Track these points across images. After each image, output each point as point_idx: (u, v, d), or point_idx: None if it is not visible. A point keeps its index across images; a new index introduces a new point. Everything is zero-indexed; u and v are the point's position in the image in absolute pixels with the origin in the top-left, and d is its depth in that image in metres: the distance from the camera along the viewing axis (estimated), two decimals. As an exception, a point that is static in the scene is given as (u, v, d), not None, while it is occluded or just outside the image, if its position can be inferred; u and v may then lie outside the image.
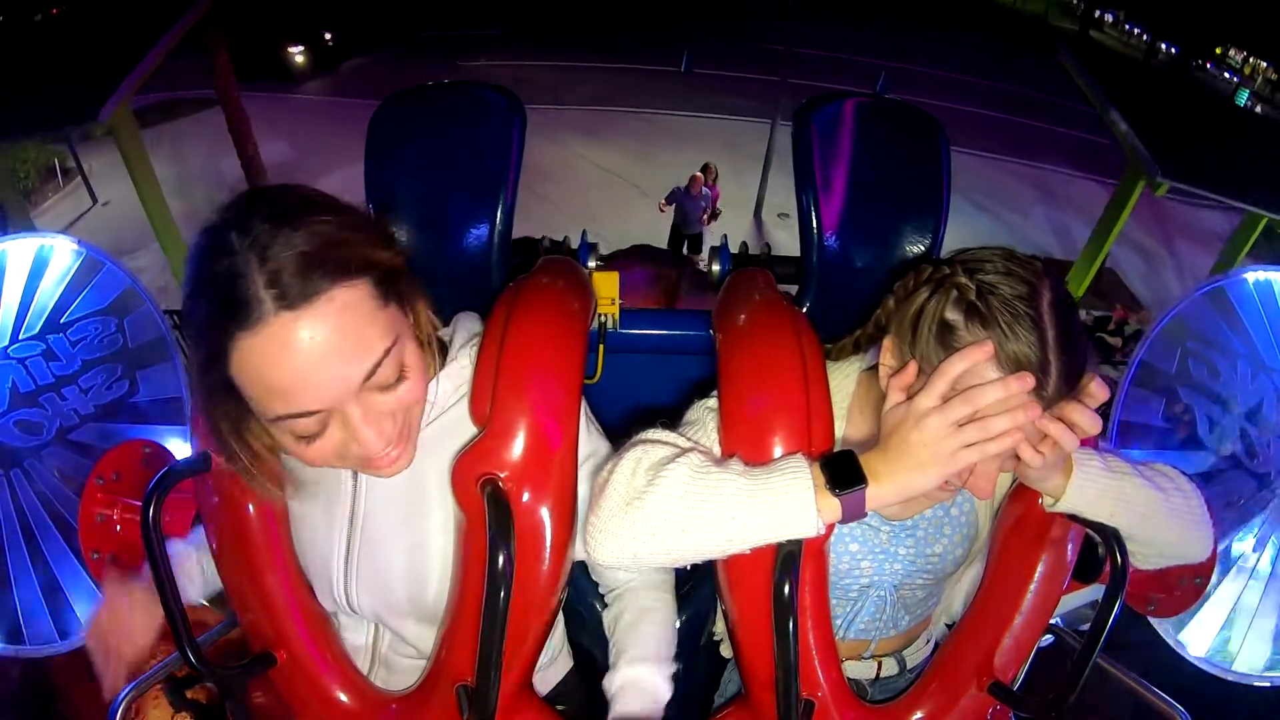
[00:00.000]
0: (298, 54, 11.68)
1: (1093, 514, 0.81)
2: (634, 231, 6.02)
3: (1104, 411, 0.76)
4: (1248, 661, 1.36)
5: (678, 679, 1.12)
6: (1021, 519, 0.90)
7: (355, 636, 0.92)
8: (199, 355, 0.65)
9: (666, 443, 0.79)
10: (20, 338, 1.37)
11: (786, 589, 0.74)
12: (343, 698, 0.88)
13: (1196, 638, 1.35)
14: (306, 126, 9.89)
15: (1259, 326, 1.40)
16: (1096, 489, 0.79)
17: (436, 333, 0.82)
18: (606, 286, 1.18)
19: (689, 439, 0.83)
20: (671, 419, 0.89)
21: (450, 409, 0.82)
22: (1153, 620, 1.29)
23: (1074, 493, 0.79)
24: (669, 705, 0.88)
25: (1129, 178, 6.05)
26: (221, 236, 0.61)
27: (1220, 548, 1.20)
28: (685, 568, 0.77)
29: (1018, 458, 0.73)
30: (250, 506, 0.82)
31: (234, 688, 0.86)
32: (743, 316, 0.91)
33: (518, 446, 0.76)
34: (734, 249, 1.34)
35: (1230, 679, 1.37)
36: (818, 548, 0.81)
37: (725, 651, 1.13)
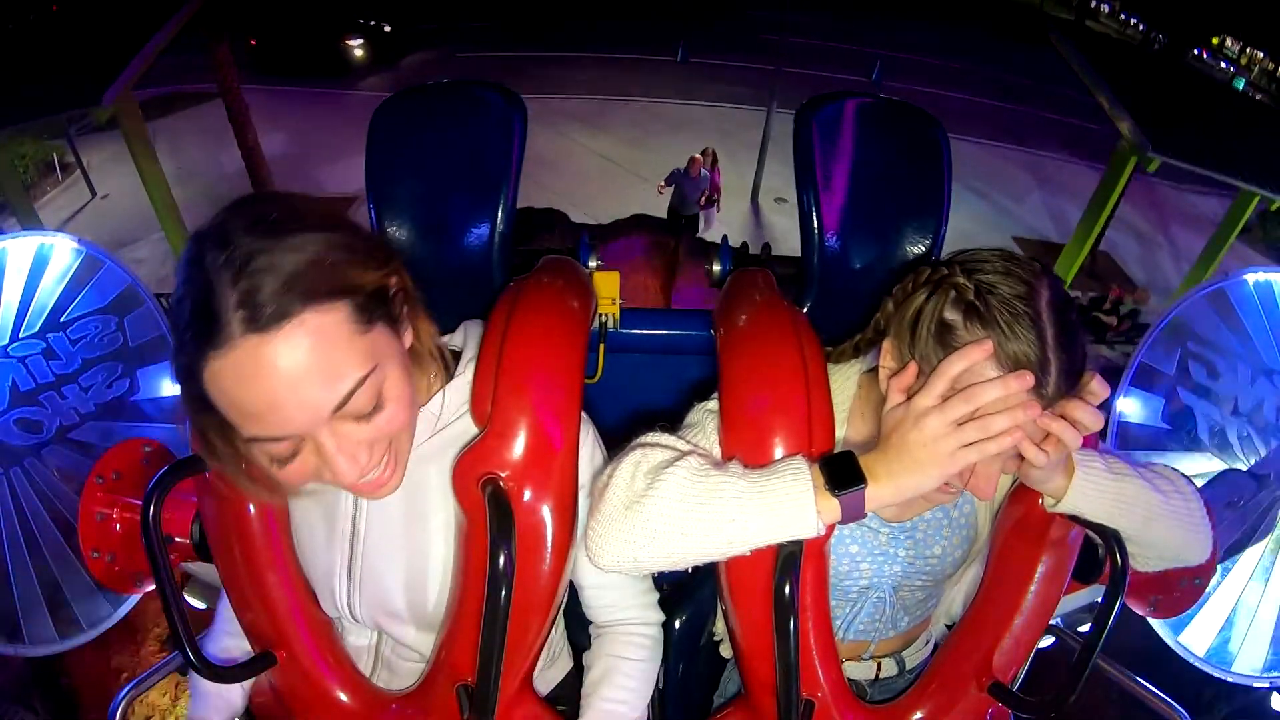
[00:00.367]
0: (357, 47, 11.42)
1: (1094, 515, 0.81)
2: (632, 216, 6.04)
3: (1103, 410, 0.76)
4: (1248, 662, 1.36)
5: (675, 681, 1.12)
6: (1022, 520, 0.90)
7: (357, 639, 0.92)
8: (178, 368, 0.63)
9: (666, 446, 0.79)
10: (20, 336, 1.37)
11: (787, 589, 0.74)
12: (343, 697, 0.87)
13: (1197, 638, 1.35)
14: (310, 120, 9.90)
15: (1259, 328, 1.40)
16: (1098, 490, 0.79)
17: (439, 343, 0.80)
18: (607, 286, 1.18)
19: (689, 442, 0.83)
20: (672, 419, 0.89)
21: (455, 422, 0.80)
22: (1152, 621, 1.29)
23: (1075, 494, 0.79)
24: (670, 705, 0.88)
25: (1120, 154, 6.07)
26: (202, 248, 0.60)
27: (1220, 549, 1.20)
28: (685, 570, 0.77)
29: (1020, 458, 0.73)
30: (250, 506, 0.82)
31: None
32: (743, 317, 0.91)
33: (518, 446, 0.75)
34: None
35: (1230, 680, 1.37)
36: (818, 549, 0.81)
37: (725, 651, 1.13)
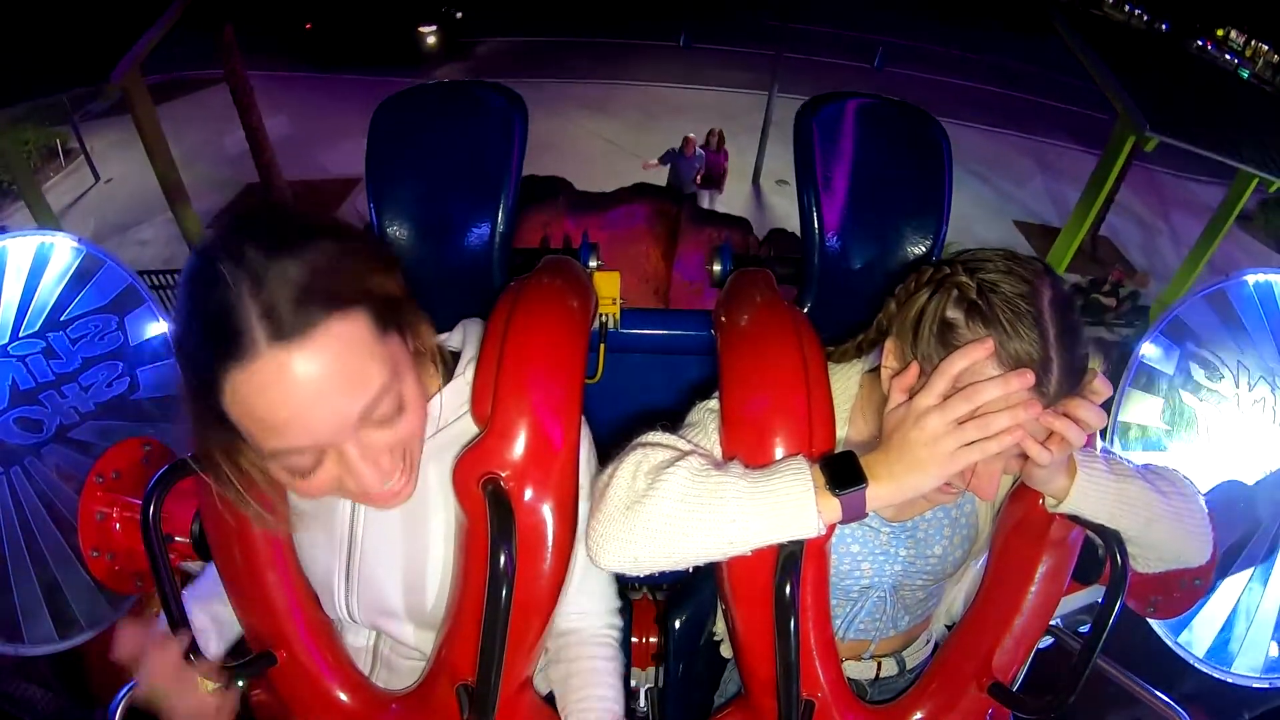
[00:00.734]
0: (429, 34, 11.32)
1: (1095, 516, 0.80)
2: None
3: (1104, 409, 0.76)
4: (1248, 663, 1.36)
5: (675, 682, 1.12)
6: (1022, 520, 0.90)
7: (356, 638, 0.92)
8: (190, 385, 0.62)
9: (666, 446, 0.79)
10: (20, 335, 1.37)
11: (788, 589, 0.74)
12: (342, 697, 0.87)
13: (1197, 639, 1.35)
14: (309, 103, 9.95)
15: (1259, 328, 1.40)
16: (1100, 491, 0.79)
17: (436, 342, 0.80)
18: (607, 286, 1.18)
19: (690, 441, 0.83)
20: (672, 419, 0.89)
21: (453, 424, 0.80)
22: (1153, 621, 1.29)
23: (1077, 494, 0.79)
24: (670, 705, 0.88)
25: (1118, 134, 6.09)
26: (213, 264, 0.58)
27: (1220, 550, 1.20)
28: (686, 570, 0.77)
29: (1023, 458, 0.73)
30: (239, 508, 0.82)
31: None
32: (744, 317, 0.91)
33: (519, 446, 0.75)
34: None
35: (1230, 680, 1.37)
36: (819, 548, 0.81)
37: (725, 651, 1.13)
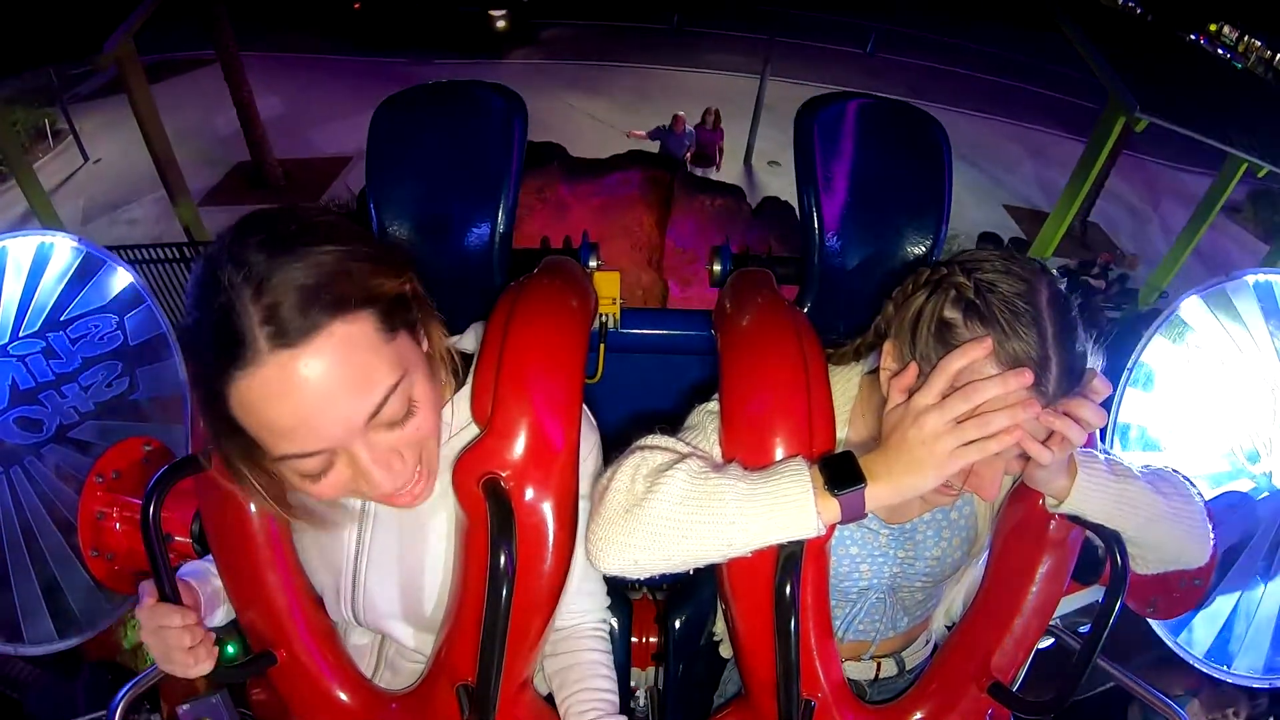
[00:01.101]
0: (500, 18, 11.38)
1: (1096, 516, 0.80)
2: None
3: (1105, 409, 0.76)
4: (1248, 663, 1.36)
5: (675, 682, 1.12)
6: (1022, 520, 0.90)
7: (359, 639, 0.92)
8: (200, 393, 0.62)
9: (665, 449, 0.79)
10: (20, 335, 1.37)
11: (788, 589, 0.74)
12: (342, 697, 0.87)
13: (1197, 639, 1.35)
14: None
15: (1259, 328, 1.40)
16: (1100, 491, 0.79)
17: (448, 344, 0.80)
18: (608, 286, 1.18)
19: (689, 444, 0.83)
20: (672, 420, 0.89)
21: (464, 430, 0.80)
22: (1152, 621, 1.29)
23: (1078, 494, 0.79)
24: (670, 705, 0.88)
25: (1108, 115, 6.09)
26: (216, 269, 0.58)
27: (1221, 550, 1.20)
28: (686, 570, 0.77)
29: (1024, 458, 0.73)
30: (251, 505, 0.82)
31: (234, 686, 0.86)
32: (744, 317, 0.91)
33: (519, 446, 0.75)
34: None
35: (1230, 681, 1.37)
36: (819, 548, 0.81)
37: (725, 652, 1.13)
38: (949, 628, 1.07)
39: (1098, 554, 0.94)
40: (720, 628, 1.14)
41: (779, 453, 0.78)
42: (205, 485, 0.84)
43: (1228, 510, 1.33)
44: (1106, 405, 0.75)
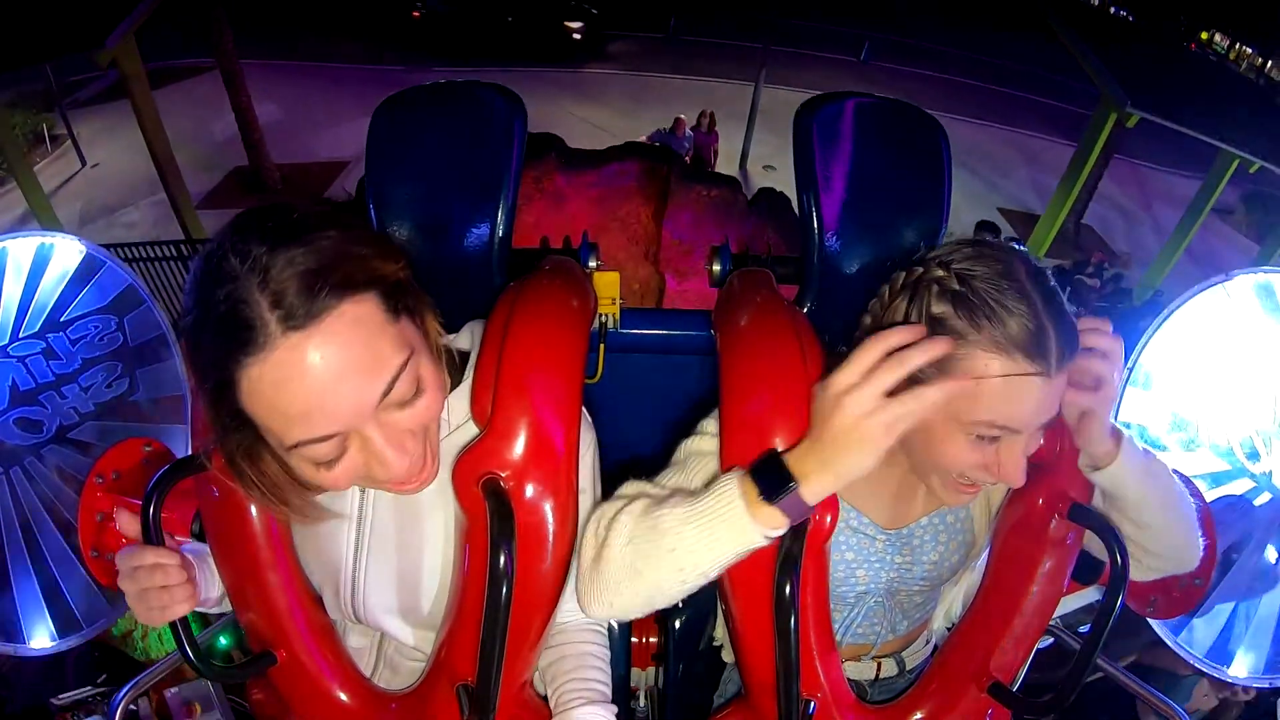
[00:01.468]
0: (576, 30, 11.50)
1: (1130, 487, 0.80)
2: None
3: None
4: (1248, 663, 1.36)
5: (675, 682, 1.12)
6: (1022, 520, 0.90)
7: (359, 639, 0.92)
8: (207, 387, 0.62)
9: (628, 495, 0.81)
10: (20, 336, 1.37)
11: (787, 589, 0.74)
12: (342, 697, 0.87)
13: (1197, 639, 1.35)
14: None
15: (1259, 328, 1.39)
16: (1139, 462, 0.80)
17: (444, 341, 0.80)
18: (607, 286, 1.18)
19: (666, 483, 0.83)
20: (671, 420, 0.89)
21: (462, 426, 0.80)
22: (1152, 621, 1.29)
23: (1124, 457, 0.78)
24: (670, 705, 0.88)
25: (1100, 113, 6.13)
26: (220, 262, 0.58)
27: (1221, 549, 1.20)
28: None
29: (1055, 434, 0.74)
30: (251, 505, 0.82)
31: (234, 686, 0.86)
32: (744, 318, 0.91)
33: (518, 446, 0.75)
34: None
35: (1230, 680, 1.37)
36: (818, 548, 0.81)
37: (727, 656, 1.13)
38: (949, 628, 1.07)
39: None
40: (720, 632, 1.14)
41: (779, 452, 0.78)
42: (205, 485, 0.84)
43: (1227, 510, 1.33)
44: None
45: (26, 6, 5.18)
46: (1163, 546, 0.86)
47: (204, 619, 1.21)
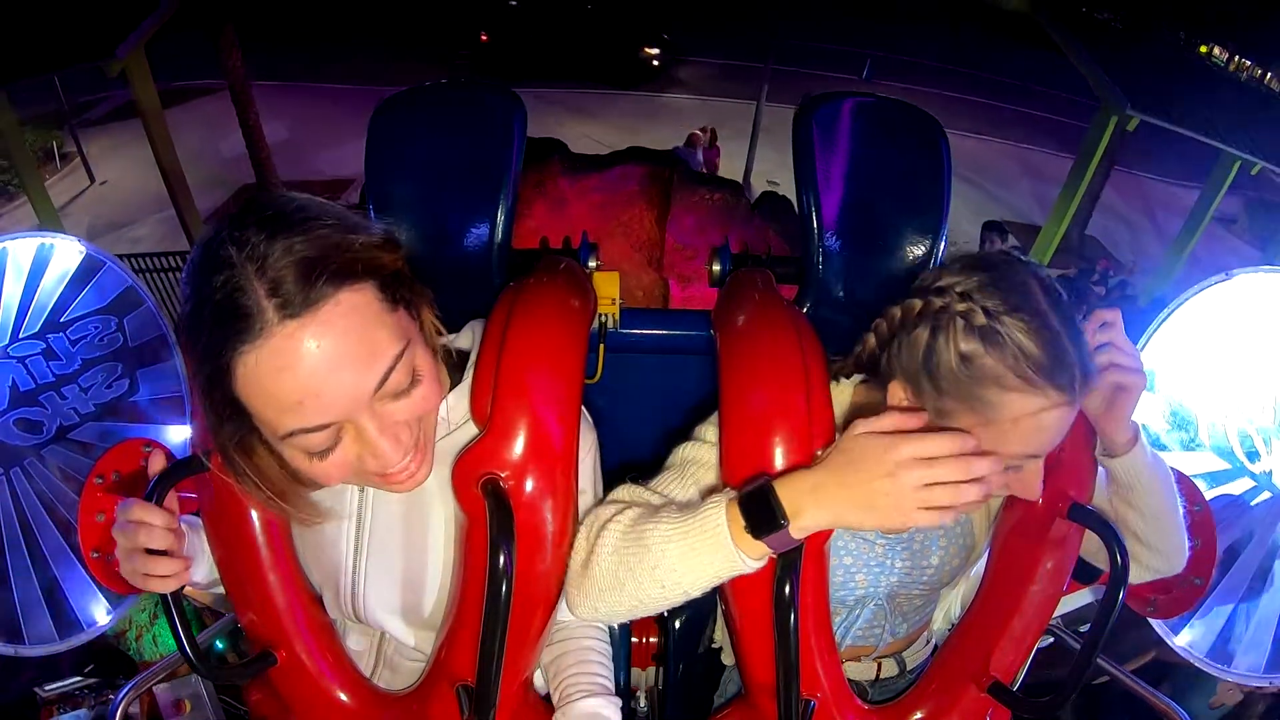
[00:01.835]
0: (654, 56, 11.71)
1: (1141, 478, 0.84)
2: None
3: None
4: (1248, 663, 1.36)
5: (675, 682, 1.12)
6: (1022, 520, 0.90)
7: (359, 639, 0.92)
8: (202, 376, 0.62)
9: (620, 501, 0.82)
10: (20, 336, 1.37)
11: (787, 589, 0.74)
12: (342, 697, 0.87)
13: (1197, 639, 1.35)
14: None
15: (1258, 328, 1.39)
16: (1151, 452, 0.84)
17: (442, 339, 0.80)
18: (607, 286, 1.18)
19: (658, 491, 0.84)
20: (671, 420, 0.89)
21: (461, 427, 0.80)
22: (1152, 621, 1.29)
23: (1140, 449, 0.83)
24: (670, 705, 0.88)
25: (1100, 117, 6.14)
26: (217, 249, 0.58)
27: (1221, 548, 1.20)
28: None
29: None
30: (251, 505, 0.82)
31: (233, 687, 0.86)
32: (743, 317, 0.91)
33: (518, 446, 0.75)
34: None
35: (1230, 680, 1.37)
36: (818, 548, 0.81)
37: (727, 659, 1.13)
38: (950, 628, 1.07)
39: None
40: (720, 635, 1.14)
41: (778, 452, 0.78)
42: (205, 485, 0.84)
43: (1227, 509, 1.33)
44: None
45: (38, 17, 5.20)
46: (1163, 542, 0.87)
47: (203, 620, 1.21)
